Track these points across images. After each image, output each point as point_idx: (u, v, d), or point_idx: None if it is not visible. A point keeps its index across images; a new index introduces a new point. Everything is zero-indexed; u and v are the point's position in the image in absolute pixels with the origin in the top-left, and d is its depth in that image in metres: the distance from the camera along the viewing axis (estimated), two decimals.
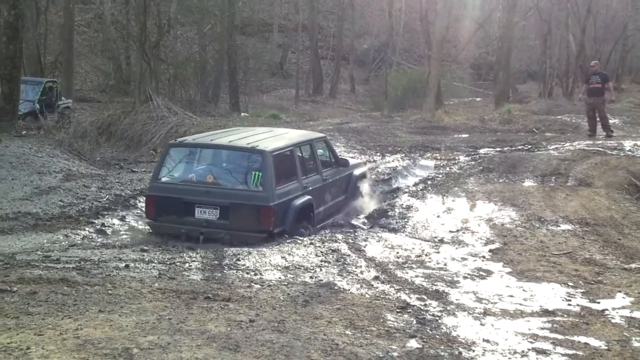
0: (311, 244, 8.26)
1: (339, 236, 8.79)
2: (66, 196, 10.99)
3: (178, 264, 7.18)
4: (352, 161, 12.40)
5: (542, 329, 5.81)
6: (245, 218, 8.79)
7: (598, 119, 17.82)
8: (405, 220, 10.07)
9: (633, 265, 7.82)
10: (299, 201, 9.30)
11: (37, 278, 6.28)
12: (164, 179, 9.37)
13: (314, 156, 10.42)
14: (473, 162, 14.75)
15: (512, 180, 12.44)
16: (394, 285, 6.82)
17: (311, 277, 6.90)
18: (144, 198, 9.84)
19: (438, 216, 10.19)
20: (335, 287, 6.60)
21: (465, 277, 7.27)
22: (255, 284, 6.58)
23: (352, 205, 11.66)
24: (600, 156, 14.30)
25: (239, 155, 9.46)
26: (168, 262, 7.21)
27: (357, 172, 12.04)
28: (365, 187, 12.14)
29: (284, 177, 9.30)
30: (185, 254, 7.65)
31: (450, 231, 9.34)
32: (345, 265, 7.42)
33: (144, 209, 9.81)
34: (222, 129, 11.67)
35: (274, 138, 9.97)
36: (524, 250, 8.38)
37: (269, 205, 8.72)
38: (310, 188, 9.79)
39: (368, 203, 11.84)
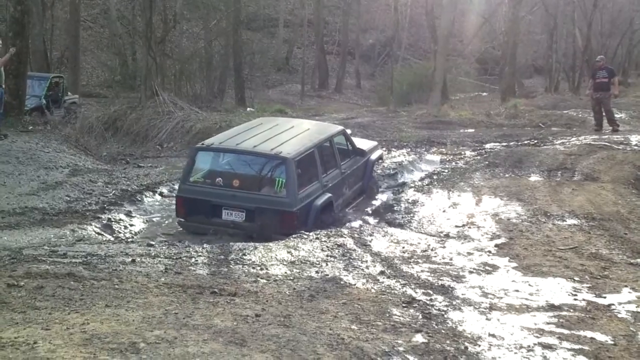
0: (317, 238, 8.27)
1: (345, 231, 8.81)
2: (73, 191, 11.03)
3: (184, 258, 7.19)
4: (368, 144, 12.70)
5: (548, 323, 5.81)
6: (270, 221, 9.10)
7: (604, 114, 17.78)
8: (411, 215, 10.07)
9: (639, 260, 7.80)
10: (320, 201, 9.65)
11: (44, 273, 6.30)
12: (192, 181, 9.76)
13: (334, 151, 10.71)
14: (479, 157, 14.73)
15: (518, 175, 12.42)
16: (400, 280, 6.82)
17: (317, 272, 6.91)
18: (175, 198, 10.12)
19: (444, 211, 10.19)
20: (341, 282, 6.61)
21: (471, 272, 7.26)
22: (262, 278, 6.60)
23: (369, 191, 12.08)
24: (606, 151, 14.25)
25: (263, 161, 9.78)
26: (174, 257, 7.22)
27: (373, 157, 12.37)
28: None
29: (306, 179, 9.66)
30: (191, 249, 7.67)
31: (456, 226, 9.34)
32: (351, 260, 7.42)
33: (175, 208, 10.05)
34: (248, 123, 11.73)
35: (297, 139, 10.13)
36: (530, 245, 8.37)
37: (292, 211, 9.14)
38: (330, 185, 10.13)
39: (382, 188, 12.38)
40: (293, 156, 9.34)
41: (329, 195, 9.90)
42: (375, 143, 13.64)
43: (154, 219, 10.68)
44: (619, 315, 6.08)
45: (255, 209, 9.22)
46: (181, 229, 9.98)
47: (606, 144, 15.10)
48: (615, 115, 18.69)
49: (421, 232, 9.12)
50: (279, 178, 9.36)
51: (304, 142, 10.01)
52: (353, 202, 11.38)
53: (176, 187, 12.14)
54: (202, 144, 10.22)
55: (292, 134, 10.37)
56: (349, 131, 13.26)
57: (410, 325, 5.52)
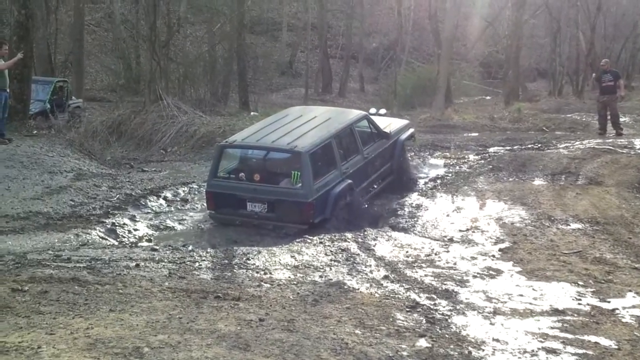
0: (320, 243, 8.27)
1: (349, 235, 8.80)
2: (77, 195, 11.04)
3: (188, 263, 7.21)
4: (398, 124, 13.25)
5: (552, 328, 5.80)
6: (289, 212, 9.75)
7: (609, 117, 17.74)
8: (415, 219, 10.07)
9: None
10: (338, 189, 10.12)
11: (48, 277, 6.32)
12: (219, 177, 10.40)
13: (354, 138, 11.17)
14: (483, 161, 14.72)
15: (522, 179, 12.40)
16: (404, 284, 6.82)
17: (321, 276, 6.92)
18: (205, 193, 10.84)
19: (448, 215, 10.18)
20: (345, 286, 6.61)
21: (474, 276, 7.26)
22: (265, 283, 6.61)
23: (400, 169, 12.57)
24: (610, 155, 14.23)
25: (280, 155, 10.49)
26: (178, 262, 7.24)
27: (403, 136, 12.87)
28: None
29: (323, 169, 10.19)
30: (195, 253, 7.69)
31: (460, 230, 9.33)
32: (355, 265, 7.43)
33: (205, 202, 10.79)
34: (274, 115, 12.23)
35: (315, 130, 10.59)
36: (534, 249, 8.36)
37: (308, 202, 9.66)
38: (351, 171, 10.62)
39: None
40: (307, 149, 9.84)
41: (349, 181, 10.36)
42: (406, 122, 14.24)
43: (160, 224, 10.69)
44: (623, 320, 6.07)
45: (275, 201, 9.82)
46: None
47: (610, 147, 15.07)
48: (620, 119, 18.65)
49: (425, 237, 9.12)
50: (295, 171, 9.87)
51: (321, 134, 10.45)
52: (382, 183, 12.07)
53: (180, 191, 12.22)
54: (226, 141, 10.85)
55: (311, 126, 10.82)
56: (383, 111, 13.74)
57: (414, 330, 5.52)
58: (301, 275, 6.96)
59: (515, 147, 16.91)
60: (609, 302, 6.55)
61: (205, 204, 10.86)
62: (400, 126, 13.13)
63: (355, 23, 42.59)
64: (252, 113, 25.26)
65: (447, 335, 5.48)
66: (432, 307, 6.17)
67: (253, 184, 10.08)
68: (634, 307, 6.43)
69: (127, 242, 9.46)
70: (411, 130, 13.63)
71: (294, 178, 9.90)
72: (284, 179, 10.16)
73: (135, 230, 10.13)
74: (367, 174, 11.37)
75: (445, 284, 6.90)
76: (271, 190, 9.95)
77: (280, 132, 10.55)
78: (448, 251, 8.27)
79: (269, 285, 6.52)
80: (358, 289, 6.58)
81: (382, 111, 14.19)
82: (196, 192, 12.27)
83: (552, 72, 36.69)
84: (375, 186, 11.83)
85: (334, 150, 10.42)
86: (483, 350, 5.25)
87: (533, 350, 5.28)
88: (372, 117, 12.27)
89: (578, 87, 34.45)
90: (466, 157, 15.79)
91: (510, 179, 12.44)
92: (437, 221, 9.88)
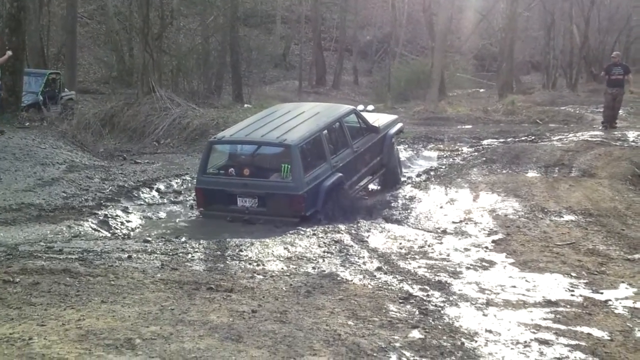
0: (314, 234, 8.26)
1: (342, 227, 8.79)
2: (69, 187, 11.00)
3: (180, 254, 7.19)
4: (387, 118, 13.22)
5: (544, 319, 5.80)
6: (280, 205, 9.72)
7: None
8: (408, 211, 10.07)
9: (636, 256, 7.79)
10: (329, 182, 10.07)
11: (40, 269, 6.29)
12: (208, 173, 10.32)
13: (344, 132, 11.14)
14: (476, 153, 14.74)
15: (516, 171, 12.42)
16: (397, 275, 6.81)
17: (314, 268, 6.91)
18: (194, 190, 10.77)
19: (441, 207, 10.18)
20: (338, 278, 6.60)
21: (468, 268, 7.26)
22: (258, 274, 6.59)
23: (389, 163, 12.55)
24: (603, 147, 14.27)
25: (270, 149, 10.44)
26: (171, 253, 7.22)
27: (392, 130, 12.87)
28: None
29: (313, 162, 10.16)
30: (188, 245, 7.67)
31: (453, 222, 9.33)
32: (348, 256, 7.42)
33: (195, 199, 10.72)
34: (263, 112, 12.17)
35: (304, 124, 10.56)
36: (527, 241, 8.36)
37: (299, 194, 9.61)
38: (341, 164, 10.59)
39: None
40: (297, 142, 9.81)
41: (339, 175, 10.32)
42: (395, 117, 14.21)
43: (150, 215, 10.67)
44: (616, 311, 6.08)
45: (265, 195, 9.81)
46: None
47: (603, 140, 15.12)
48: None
49: (418, 228, 9.11)
50: (285, 164, 9.82)
51: (311, 127, 10.43)
52: (373, 177, 12.22)
53: (173, 183, 12.20)
54: (215, 137, 10.82)
55: (300, 120, 10.80)
56: (371, 107, 13.67)
57: (407, 321, 5.51)
58: (294, 266, 6.94)
59: (509, 139, 16.96)
60: (601, 293, 6.55)
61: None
62: (388, 121, 13.12)
63: (349, 16, 42.55)
64: (245, 105, 25.25)
65: (440, 327, 5.47)
66: (425, 298, 6.16)
67: (243, 178, 10.02)
68: (626, 298, 6.43)
69: (120, 234, 9.44)
70: (400, 124, 13.60)
71: (284, 171, 9.86)
72: (274, 172, 10.12)
73: (128, 222, 10.11)
74: (357, 168, 11.36)
75: (438, 276, 6.89)
76: (261, 185, 9.92)
77: (269, 127, 10.52)
78: (441, 243, 8.26)
79: (261, 277, 6.51)
80: (351, 280, 6.57)
81: (370, 107, 14.14)
82: (189, 184, 12.25)
83: (546, 65, 36.76)
84: (367, 179, 11.84)
85: (323, 143, 10.41)
86: (476, 341, 5.24)
87: (526, 341, 5.28)
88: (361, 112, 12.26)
89: (572, 80, 34.53)
90: (460, 149, 15.82)
91: (504, 171, 12.46)
92: (430, 213, 9.88)
